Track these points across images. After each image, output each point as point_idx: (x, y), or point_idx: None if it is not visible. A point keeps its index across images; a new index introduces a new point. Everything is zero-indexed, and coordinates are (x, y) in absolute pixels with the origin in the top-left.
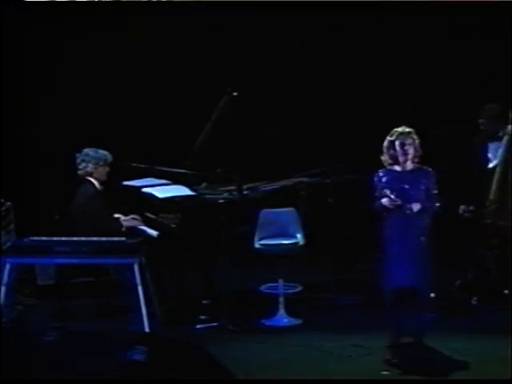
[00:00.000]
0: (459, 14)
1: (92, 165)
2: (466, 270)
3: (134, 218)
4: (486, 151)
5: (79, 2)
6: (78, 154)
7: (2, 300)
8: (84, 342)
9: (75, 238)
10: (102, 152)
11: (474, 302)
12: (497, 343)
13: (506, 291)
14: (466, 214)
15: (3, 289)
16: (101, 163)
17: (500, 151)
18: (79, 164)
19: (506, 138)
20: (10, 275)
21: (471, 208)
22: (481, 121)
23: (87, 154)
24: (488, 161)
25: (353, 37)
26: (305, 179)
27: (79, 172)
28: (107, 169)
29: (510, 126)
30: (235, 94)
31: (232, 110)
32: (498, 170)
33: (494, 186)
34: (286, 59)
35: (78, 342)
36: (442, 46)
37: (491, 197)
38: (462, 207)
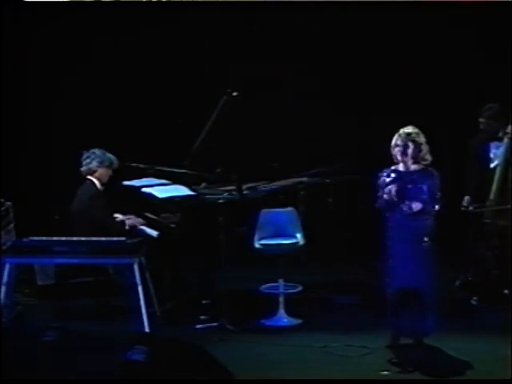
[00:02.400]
0: (459, 13)
1: (96, 163)
2: (466, 270)
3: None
4: (486, 151)
5: (79, 2)
6: (84, 151)
7: (2, 300)
8: (84, 342)
9: (75, 238)
10: (110, 155)
11: (473, 302)
12: (497, 343)
13: (506, 291)
14: (471, 208)
15: (3, 289)
16: (105, 164)
17: (500, 151)
18: (84, 160)
19: (506, 139)
20: (9, 275)
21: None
22: (481, 120)
23: (94, 152)
24: (488, 161)
25: (354, 36)
26: (304, 179)
27: (82, 169)
28: (110, 172)
29: (510, 126)
30: (235, 93)
31: (232, 110)
32: (498, 170)
33: (494, 186)
34: (286, 59)
35: (77, 342)
36: (442, 46)
37: (491, 197)
38: (466, 198)
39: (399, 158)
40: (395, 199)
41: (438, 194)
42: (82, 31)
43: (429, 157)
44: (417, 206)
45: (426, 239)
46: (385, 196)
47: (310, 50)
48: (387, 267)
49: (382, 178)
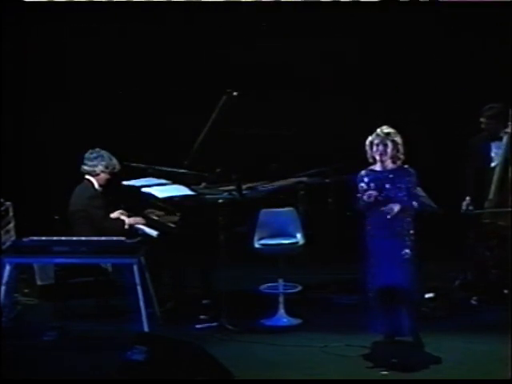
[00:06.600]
0: (459, 13)
1: (102, 167)
2: (466, 269)
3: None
4: (486, 150)
5: (79, 2)
6: (91, 150)
7: (1, 300)
8: (84, 342)
9: (74, 238)
10: (115, 161)
11: (473, 302)
12: (497, 343)
13: (505, 291)
14: (470, 207)
15: (3, 288)
16: (109, 169)
17: (500, 151)
18: (89, 160)
19: (505, 138)
20: (9, 275)
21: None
22: (482, 119)
23: (102, 156)
24: (489, 160)
25: (353, 37)
26: (304, 179)
27: (85, 168)
28: (109, 177)
29: (510, 126)
30: (235, 93)
31: (232, 110)
32: (497, 170)
33: (493, 186)
34: (286, 60)
35: (77, 342)
36: (442, 46)
37: (490, 197)
38: (466, 199)
39: (378, 158)
40: (380, 198)
41: (416, 190)
42: (82, 31)
43: (403, 156)
44: (395, 206)
45: (406, 237)
46: (365, 199)
47: (309, 50)
48: (368, 266)
49: (361, 179)
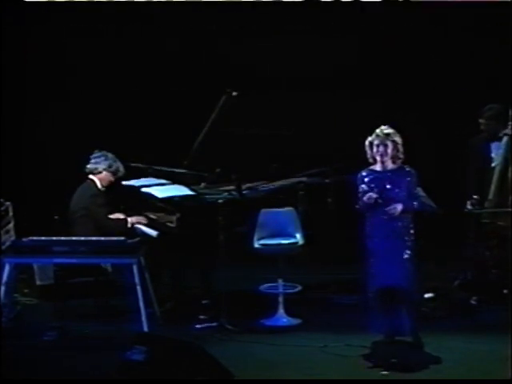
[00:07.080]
0: (459, 13)
1: (104, 165)
2: (466, 269)
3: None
4: (486, 151)
5: (79, 2)
6: (97, 151)
7: (1, 300)
8: (83, 342)
9: (74, 238)
10: (119, 164)
11: (473, 302)
12: (497, 343)
13: (505, 291)
14: (476, 207)
15: (2, 288)
16: (112, 169)
17: (500, 151)
18: (93, 158)
19: (505, 139)
20: (9, 275)
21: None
22: (481, 121)
23: (106, 155)
24: (489, 161)
25: (353, 37)
26: (304, 179)
27: (88, 166)
28: (112, 178)
29: (509, 126)
30: (235, 93)
31: (232, 110)
32: (497, 170)
33: (493, 186)
34: (285, 59)
35: (77, 342)
36: (442, 46)
37: (490, 197)
38: (470, 201)
39: (378, 158)
40: (379, 201)
41: (416, 190)
42: (82, 31)
43: (403, 156)
44: (399, 206)
45: (405, 237)
46: (365, 200)
47: (309, 50)
48: (368, 266)
49: (361, 180)
